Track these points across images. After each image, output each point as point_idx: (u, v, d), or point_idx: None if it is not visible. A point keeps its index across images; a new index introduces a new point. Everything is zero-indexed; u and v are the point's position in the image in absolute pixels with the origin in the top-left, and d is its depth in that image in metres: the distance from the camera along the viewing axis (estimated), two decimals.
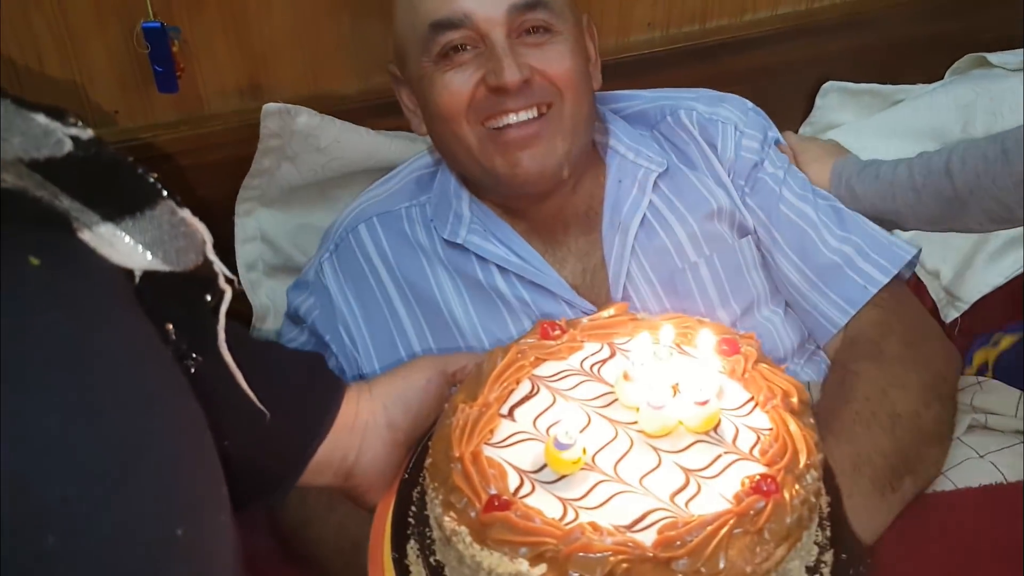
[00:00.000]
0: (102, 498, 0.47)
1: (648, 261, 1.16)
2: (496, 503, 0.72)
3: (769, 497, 0.72)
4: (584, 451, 0.75)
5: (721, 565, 0.69)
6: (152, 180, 0.58)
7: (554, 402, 0.82)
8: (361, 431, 0.85)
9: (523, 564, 0.69)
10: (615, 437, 0.79)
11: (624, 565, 0.67)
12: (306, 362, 0.86)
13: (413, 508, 0.83)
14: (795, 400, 0.82)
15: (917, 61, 1.62)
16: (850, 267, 1.16)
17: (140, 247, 0.58)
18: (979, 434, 1.11)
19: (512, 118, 1.07)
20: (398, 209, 1.22)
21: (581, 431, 0.78)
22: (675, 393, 0.80)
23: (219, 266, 0.63)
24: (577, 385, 0.84)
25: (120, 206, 0.57)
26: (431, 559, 0.77)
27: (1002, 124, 1.46)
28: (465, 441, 0.76)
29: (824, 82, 1.59)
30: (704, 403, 0.79)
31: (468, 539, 0.71)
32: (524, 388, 0.83)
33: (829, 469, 0.87)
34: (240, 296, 1.33)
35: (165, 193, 0.59)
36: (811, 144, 1.32)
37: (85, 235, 0.56)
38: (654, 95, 1.29)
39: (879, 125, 1.56)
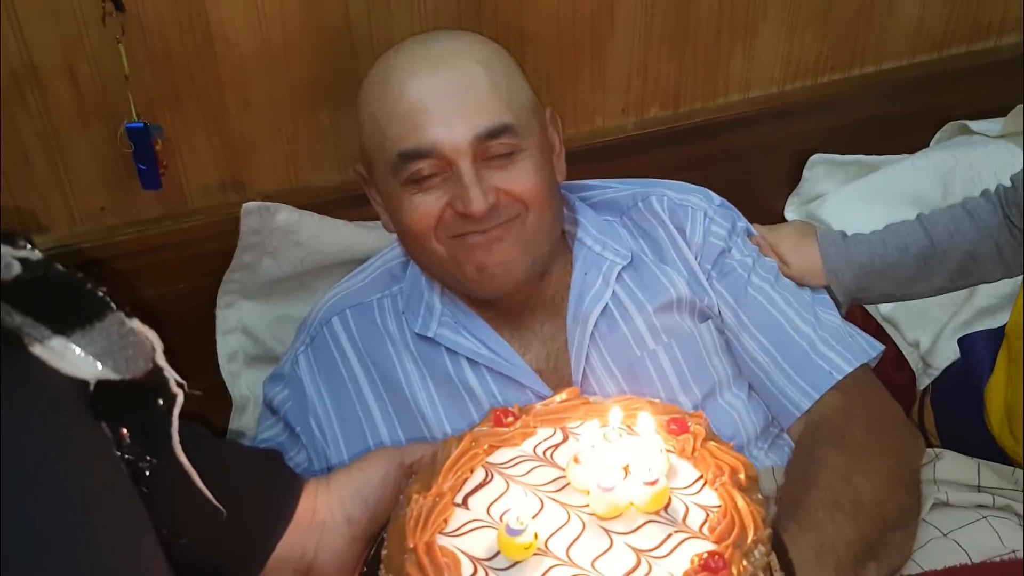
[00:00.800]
0: None
1: (608, 350, 1.17)
2: None
3: (717, 574, 0.74)
4: (536, 536, 0.78)
5: None
6: (101, 294, 0.61)
7: (508, 489, 0.85)
8: (319, 528, 0.88)
9: None
10: (567, 521, 0.82)
11: None
12: (264, 460, 0.89)
13: None
14: (743, 476, 0.84)
15: (898, 136, 1.63)
16: (815, 352, 1.17)
17: (91, 358, 0.61)
18: (941, 511, 1.10)
19: (480, 238, 1.10)
20: (370, 301, 1.25)
21: (534, 516, 0.80)
22: (626, 474, 0.83)
23: (169, 372, 0.66)
24: (530, 471, 0.87)
25: (70, 320, 0.60)
26: None
27: (980, 190, 1.49)
28: (419, 531, 0.79)
29: (802, 159, 1.62)
30: (653, 483, 0.81)
31: None
32: (478, 476, 0.86)
33: (782, 545, 0.89)
34: (220, 387, 1.37)
35: (114, 306, 0.62)
36: (781, 230, 1.36)
37: (36, 349, 0.59)
38: (626, 184, 1.32)
39: (861, 191, 1.59)
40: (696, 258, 1.22)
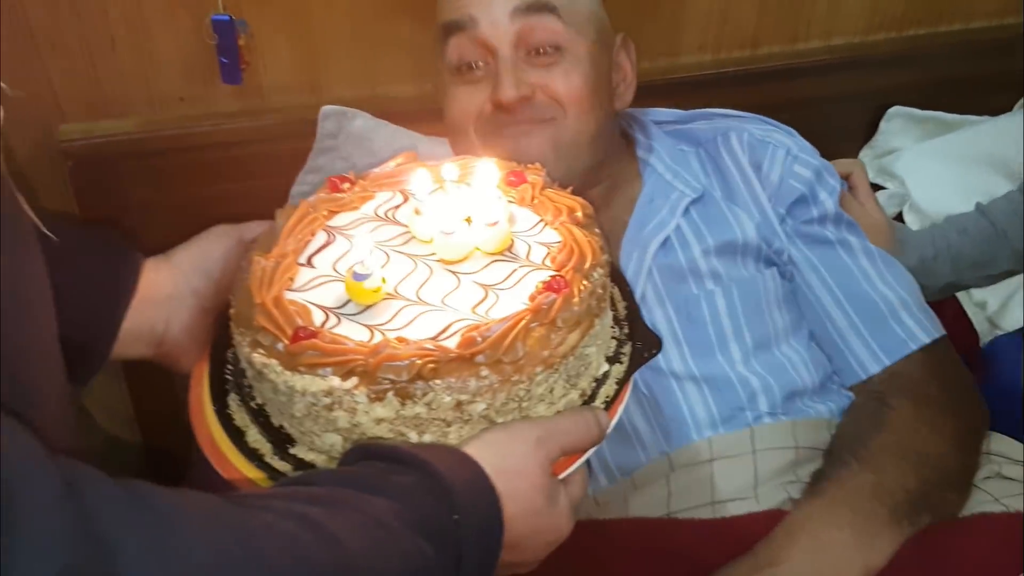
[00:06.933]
0: None
1: (663, 282, 1.20)
2: (303, 334, 0.79)
3: (560, 292, 0.83)
4: (384, 280, 0.85)
5: (520, 353, 0.79)
6: None
7: (352, 247, 0.90)
8: (166, 301, 0.94)
9: (334, 380, 0.77)
10: (415, 269, 0.90)
11: (431, 366, 0.77)
12: (99, 236, 0.92)
13: (229, 367, 0.90)
14: (580, 214, 0.94)
15: (980, 97, 1.70)
16: (894, 317, 1.21)
17: None
18: (996, 481, 1.18)
19: (511, 130, 1.16)
20: None
21: (381, 268, 0.86)
22: (469, 225, 0.90)
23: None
24: (373, 231, 0.94)
25: None
26: (252, 404, 0.85)
27: None
28: (265, 288, 0.85)
29: (879, 113, 1.69)
30: (494, 224, 0.88)
31: (279, 369, 0.79)
32: (320, 239, 0.93)
33: (622, 276, 0.98)
34: None
35: None
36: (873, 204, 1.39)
37: None
38: (710, 114, 1.36)
39: (939, 149, 1.66)
40: (770, 200, 1.25)
